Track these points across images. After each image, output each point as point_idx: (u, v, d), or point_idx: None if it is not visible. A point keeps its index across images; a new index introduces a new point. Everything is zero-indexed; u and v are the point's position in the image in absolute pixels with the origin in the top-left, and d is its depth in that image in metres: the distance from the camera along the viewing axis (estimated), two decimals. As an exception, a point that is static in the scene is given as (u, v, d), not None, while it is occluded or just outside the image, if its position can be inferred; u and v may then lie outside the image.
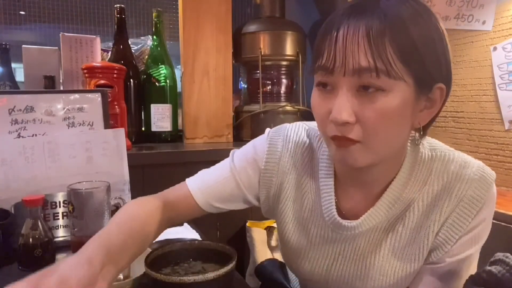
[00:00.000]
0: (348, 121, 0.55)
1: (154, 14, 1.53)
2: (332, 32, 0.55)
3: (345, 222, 0.67)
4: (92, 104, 1.05)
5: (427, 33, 0.56)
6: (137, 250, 0.63)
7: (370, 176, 0.66)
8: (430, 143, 0.68)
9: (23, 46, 1.37)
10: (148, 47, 1.61)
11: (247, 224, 1.44)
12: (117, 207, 0.83)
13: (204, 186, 0.75)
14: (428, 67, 0.56)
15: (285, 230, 0.76)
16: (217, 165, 0.79)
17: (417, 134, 0.65)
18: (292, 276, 0.94)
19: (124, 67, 1.32)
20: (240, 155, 0.78)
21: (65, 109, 1.02)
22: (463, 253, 0.65)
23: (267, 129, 0.79)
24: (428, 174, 0.66)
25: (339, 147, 0.58)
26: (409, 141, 0.66)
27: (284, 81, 1.69)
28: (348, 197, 0.70)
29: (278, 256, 1.33)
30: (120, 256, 0.57)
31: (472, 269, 0.66)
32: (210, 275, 0.61)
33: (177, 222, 0.78)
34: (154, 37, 1.54)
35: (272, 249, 1.41)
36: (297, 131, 0.76)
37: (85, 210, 0.78)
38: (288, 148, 0.74)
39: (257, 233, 1.41)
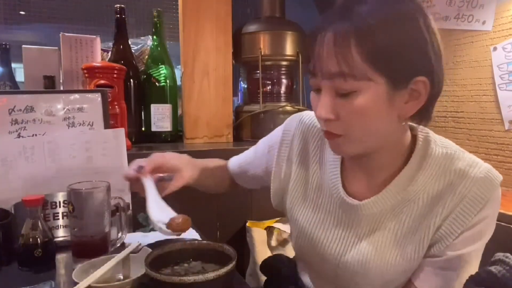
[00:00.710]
0: (328, 118, 0.62)
1: (154, 14, 1.54)
2: (312, 40, 0.62)
3: (350, 200, 0.71)
4: (92, 104, 1.05)
5: (399, 33, 0.58)
6: (212, 180, 0.92)
7: (373, 163, 0.70)
8: (442, 142, 0.71)
9: (23, 46, 1.37)
10: (148, 47, 1.61)
11: (247, 224, 1.44)
12: (117, 207, 0.83)
13: (236, 163, 0.95)
14: (400, 66, 0.58)
15: (294, 211, 0.80)
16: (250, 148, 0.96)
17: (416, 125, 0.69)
18: (299, 266, 0.94)
19: (124, 67, 1.32)
20: (263, 141, 0.90)
21: (65, 109, 1.02)
22: (464, 249, 0.66)
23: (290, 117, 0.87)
24: (436, 169, 0.68)
25: (328, 139, 0.67)
26: (422, 136, 0.69)
27: (284, 81, 1.69)
28: (354, 180, 0.73)
29: (278, 256, 1.33)
30: (200, 171, 0.82)
31: (473, 268, 0.67)
32: (210, 275, 0.61)
33: (229, 188, 0.98)
34: (154, 37, 1.54)
35: (272, 249, 1.41)
36: (312, 116, 0.81)
37: (85, 210, 0.77)
38: (301, 130, 0.81)
39: (257, 233, 1.41)
